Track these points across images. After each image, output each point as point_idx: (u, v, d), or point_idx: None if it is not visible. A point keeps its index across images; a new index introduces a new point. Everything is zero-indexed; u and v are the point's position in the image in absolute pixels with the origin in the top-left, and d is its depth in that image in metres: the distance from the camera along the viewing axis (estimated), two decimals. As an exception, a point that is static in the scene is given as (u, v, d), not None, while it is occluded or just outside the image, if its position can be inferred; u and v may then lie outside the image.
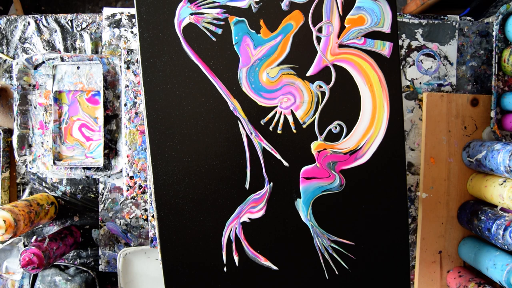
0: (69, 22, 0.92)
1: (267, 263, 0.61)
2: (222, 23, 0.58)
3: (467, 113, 0.87)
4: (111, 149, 0.90)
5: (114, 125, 0.90)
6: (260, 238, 0.61)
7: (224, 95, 0.59)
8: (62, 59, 0.88)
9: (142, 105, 0.71)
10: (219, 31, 0.58)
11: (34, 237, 0.85)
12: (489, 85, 0.91)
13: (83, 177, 0.92)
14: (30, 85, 0.90)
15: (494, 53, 0.83)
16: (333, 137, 0.60)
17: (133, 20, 0.90)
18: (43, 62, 0.89)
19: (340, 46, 0.59)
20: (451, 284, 0.86)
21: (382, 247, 0.62)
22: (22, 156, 0.90)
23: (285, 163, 0.60)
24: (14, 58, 0.92)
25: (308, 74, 0.59)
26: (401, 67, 0.89)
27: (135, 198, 0.89)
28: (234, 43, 0.58)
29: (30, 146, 0.91)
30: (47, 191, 0.93)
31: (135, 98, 0.86)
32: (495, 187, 0.77)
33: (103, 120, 0.87)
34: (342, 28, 0.58)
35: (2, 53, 0.92)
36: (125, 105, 0.86)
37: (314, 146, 0.60)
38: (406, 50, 0.89)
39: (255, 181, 0.60)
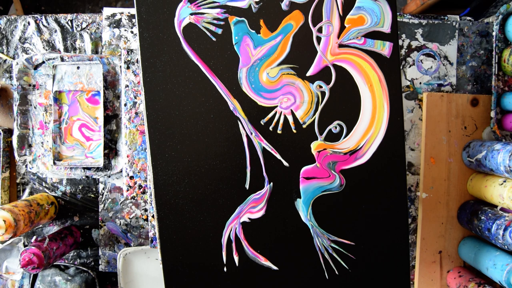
0: (69, 22, 0.92)
1: (267, 263, 0.61)
2: (222, 23, 0.58)
3: (467, 113, 0.87)
4: (111, 149, 0.90)
5: (114, 125, 0.90)
6: (260, 238, 0.61)
7: (224, 95, 0.59)
8: (62, 59, 0.88)
9: (142, 105, 0.71)
10: (219, 31, 0.58)
11: (34, 237, 0.85)
12: (489, 85, 0.91)
13: (83, 177, 0.92)
14: (30, 85, 0.90)
15: (494, 53, 0.83)
16: (333, 137, 0.60)
17: (133, 20, 0.90)
18: (43, 62, 0.89)
19: (340, 46, 0.59)
20: (451, 284, 0.86)
21: (382, 247, 0.62)
22: (22, 156, 0.90)
23: (285, 163, 0.60)
24: (14, 58, 0.92)
25: (308, 74, 0.59)
26: (401, 67, 0.89)
27: (135, 198, 0.89)
28: (234, 43, 0.58)
29: (30, 146, 0.91)
30: (47, 191, 0.93)
31: (135, 98, 0.86)
32: (495, 187, 0.77)
33: (103, 120, 0.87)
34: (342, 28, 0.58)
35: (2, 53, 0.92)
36: (125, 105, 0.86)
37: (314, 146, 0.60)
38: (406, 50, 0.89)
39: (255, 181, 0.60)
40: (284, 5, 0.58)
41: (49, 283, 0.90)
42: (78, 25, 0.92)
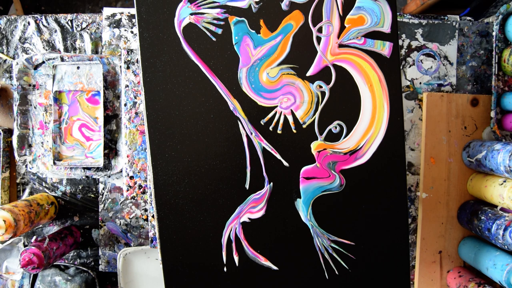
0: (69, 22, 0.92)
1: (267, 263, 0.61)
2: (222, 23, 0.58)
3: (467, 113, 0.87)
4: (111, 149, 0.90)
5: (114, 125, 0.90)
6: (260, 238, 0.61)
7: (224, 95, 0.59)
8: (62, 59, 0.88)
9: (142, 105, 0.71)
10: (219, 31, 0.58)
11: (34, 237, 0.85)
12: (489, 85, 0.91)
13: (83, 177, 0.92)
14: (30, 85, 0.90)
15: (494, 53, 0.83)
16: (333, 137, 0.60)
17: (133, 20, 0.90)
18: (43, 62, 0.89)
19: (340, 46, 0.59)
20: (451, 284, 0.86)
21: (382, 247, 0.62)
22: (22, 156, 0.90)
23: (285, 163, 0.60)
24: (14, 58, 0.92)
25: (308, 74, 0.59)
26: (401, 67, 0.89)
27: (135, 198, 0.89)
28: (234, 43, 0.58)
29: (30, 146, 0.91)
30: (47, 191, 0.93)
31: (135, 98, 0.86)
32: (495, 187, 0.77)
33: (103, 120, 0.87)
34: (342, 28, 0.58)
35: (2, 53, 0.92)
36: (125, 105, 0.86)
37: (314, 146, 0.60)
38: (406, 50, 0.89)
39: (255, 181, 0.60)
40: (284, 5, 0.58)
41: (49, 283, 0.90)
42: (78, 25, 0.92)
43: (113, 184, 0.92)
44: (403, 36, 0.89)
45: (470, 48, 0.90)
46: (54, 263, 0.90)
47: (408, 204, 0.90)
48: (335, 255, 0.62)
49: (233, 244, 0.61)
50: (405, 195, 0.61)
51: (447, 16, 0.89)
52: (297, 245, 0.61)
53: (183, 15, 0.58)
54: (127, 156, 0.87)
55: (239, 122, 0.59)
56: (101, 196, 0.92)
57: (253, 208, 0.60)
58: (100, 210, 0.92)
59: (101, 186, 0.92)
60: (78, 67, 0.89)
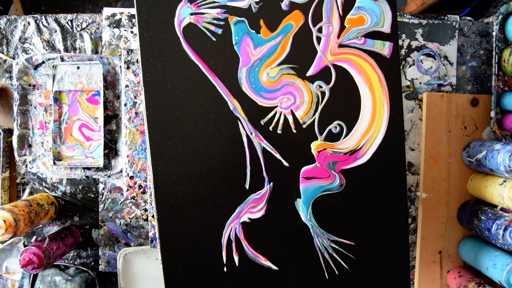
0: (69, 22, 0.92)
1: (267, 263, 0.61)
2: (222, 23, 0.58)
3: (467, 113, 0.87)
4: (111, 149, 0.90)
5: (114, 125, 0.90)
6: (260, 238, 0.61)
7: (224, 95, 0.59)
8: (62, 59, 0.88)
9: (142, 105, 0.71)
10: (219, 31, 0.58)
11: (34, 237, 0.85)
12: (489, 85, 0.91)
13: (83, 177, 0.92)
14: (30, 85, 0.90)
15: (494, 53, 0.83)
16: (333, 137, 0.60)
17: (133, 20, 0.90)
18: (43, 62, 0.89)
19: (340, 46, 0.59)
20: (451, 284, 0.86)
21: (382, 247, 0.62)
22: (22, 156, 0.90)
23: (285, 163, 0.60)
24: (14, 58, 0.92)
25: (308, 74, 0.59)
26: (401, 67, 0.89)
27: (135, 198, 0.89)
28: (234, 43, 0.58)
29: (30, 146, 0.91)
30: (47, 191, 0.93)
31: (135, 98, 0.86)
32: (495, 187, 0.77)
33: (103, 120, 0.87)
34: (342, 28, 0.58)
35: (2, 53, 0.92)
36: (125, 105, 0.86)
37: (314, 146, 0.60)
38: (406, 50, 0.89)
39: (255, 181, 0.60)
40: (284, 5, 0.58)
41: (49, 283, 0.90)
42: (78, 25, 0.92)
43: (113, 184, 0.92)
44: (403, 36, 0.89)
45: (470, 48, 0.90)
46: (54, 263, 0.90)
47: (408, 204, 0.90)
48: (335, 255, 0.62)
49: (233, 244, 0.61)
50: (405, 195, 0.61)
51: (447, 16, 0.89)
52: (297, 245, 0.61)
53: (183, 15, 0.58)
54: (127, 156, 0.87)
55: (239, 122, 0.59)
56: (101, 196, 0.92)
57: (253, 208, 0.60)
58: (100, 210, 0.92)
59: (101, 186, 0.92)
60: (78, 67, 0.89)
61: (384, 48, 0.59)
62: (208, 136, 0.59)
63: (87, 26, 0.91)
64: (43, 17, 0.91)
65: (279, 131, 0.59)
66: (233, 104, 0.59)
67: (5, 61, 0.92)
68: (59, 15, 0.92)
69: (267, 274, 0.61)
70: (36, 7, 1.75)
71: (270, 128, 0.59)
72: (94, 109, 0.90)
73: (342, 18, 0.58)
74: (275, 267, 0.61)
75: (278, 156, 0.60)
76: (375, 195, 0.61)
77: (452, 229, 0.88)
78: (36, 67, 0.89)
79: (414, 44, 0.89)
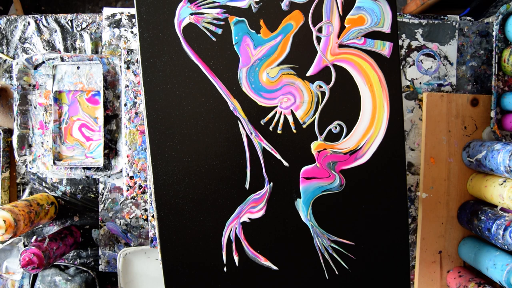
0: (69, 22, 0.92)
1: (267, 263, 0.61)
2: (222, 23, 0.58)
3: (467, 113, 0.87)
4: (111, 149, 0.90)
5: (114, 125, 0.90)
6: (260, 238, 0.61)
7: (224, 95, 0.59)
8: (62, 59, 0.88)
9: (142, 105, 0.71)
10: (219, 31, 0.58)
11: (34, 237, 0.85)
12: (489, 85, 0.91)
13: (83, 177, 0.92)
14: (30, 85, 0.90)
15: (494, 53, 0.83)
16: (333, 137, 0.60)
17: (133, 20, 0.90)
18: (43, 62, 0.89)
19: (340, 46, 0.59)
20: (451, 284, 0.86)
21: (382, 247, 0.62)
22: (22, 156, 0.90)
23: (285, 163, 0.60)
24: (14, 58, 0.92)
25: (308, 74, 0.59)
26: (401, 67, 0.89)
27: (135, 198, 0.89)
28: (234, 43, 0.58)
29: (30, 146, 0.91)
30: (47, 191, 0.93)
31: (135, 98, 0.86)
32: (495, 187, 0.77)
33: (103, 120, 0.87)
34: (342, 28, 0.58)
35: (2, 53, 0.92)
36: (125, 105, 0.86)
37: (314, 146, 0.60)
38: (406, 50, 0.89)
39: (255, 181, 0.60)
40: (284, 5, 0.58)
41: (49, 283, 0.90)
42: (78, 25, 0.92)
43: (113, 184, 0.92)
44: (403, 36, 0.89)
45: (470, 48, 0.90)
46: (54, 263, 0.90)
47: (408, 204, 0.90)
48: (335, 255, 0.62)
49: (233, 244, 0.61)
50: (405, 195, 0.61)
51: (447, 16, 0.89)
52: (297, 245, 0.61)
53: (183, 15, 0.58)
54: (127, 156, 0.87)
55: (239, 122, 0.59)
56: (101, 196, 0.92)
57: (253, 208, 0.60)
58: (100, 210, 0.92)
59: (101, 186, 0.92)
60: (78, 67, 0.89)
61: (384, 48, 0.59)
62: (208, 136, 0.59)
63: (87, 26, 0.92)
64: (43, 17, 0.91)
65: (279, 131, 0.59)
66: (233, 104, 0.59)
67: (5, 61, 0.92)
68: (59, 15, 0.92)
69: (267, 274, 0.61)
70: (36, 7, 1.75)
71: (270, 128, 0.59)
72: (94, 109, 0.90)
73: (342, 18, 0.58)
74: (275, 267, 0.61)
75: (278, 156, 0.60)
76: (375, 195, 0.61)
77: (452, 229, 0.88)
78: (36, 67, 0.89)
79: (414, 44, 0.89)
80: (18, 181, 0.93)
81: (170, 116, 0.58)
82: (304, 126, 0.60)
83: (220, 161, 0.59)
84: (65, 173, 0.90)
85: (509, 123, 0.82)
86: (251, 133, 0.59)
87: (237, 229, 0.61)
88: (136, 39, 0.89)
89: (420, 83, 0.90)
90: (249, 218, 0.61)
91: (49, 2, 1.77)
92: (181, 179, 0.59)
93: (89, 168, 0.90)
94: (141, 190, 0.88)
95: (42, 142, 0.91)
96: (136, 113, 0.86)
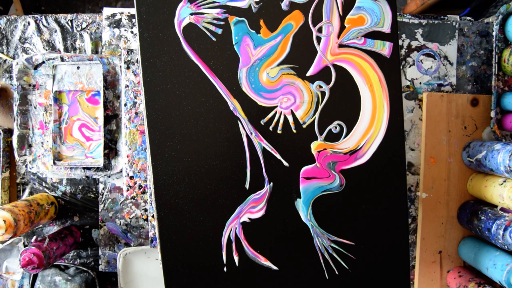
0: (69, 22, 0.92)
1: (267, 263, 0.61)
2: (222, 23, 0.58)
3: (467, 113, 0.87)
4: (111, 149, 0.90)
5: (114, 125, 0.90)
6: (260, 238, 0.61)
7: (224, 95, 0.59)
8: (62, 59, 0.88)
9: (142, 105, 0.71)
10: (219, 31, 0.58)
11: (34, 237, 0.85)
12: (489, 85, 0.91)
13: (83, 177, 0.92)
14: (30, 85, 0.90)
15: (494, 53, 0.83)
16: (333, 137, 0.60)
17: (133, 20, 0.90)
18: (43, 62, 0.89)
19: (340, 46, 0.59)
20: (451, 284, 0.86)
21: (382, 247, 0.62)
22: (22, 156, 0.90)
23: (285, 163, 0.60)
24: (14, 58, 0.92)
25: (308, 74, 0.59)
26: (401, 67, 0.89)
27: (135, 198, 0.89)
28: (234, 43, 0.58)
29: (30, 146, 0.91)
30: (47, 191, 0.93)
31: (135, 98, 0.86)
32: (495, 187, 0.77)
33: (103, 120, 0.87)
34: (342, 28, 0.58)
35: (2, 53, 0.92)
36: (125, 105, 0.86)
37: (314, 146, 0.60)
38: (406, 50, 0.89)
39: (255, 181, 0.60)
40: (284, 5, 0.58)
41: (49, 283, 0.90)
42: (78, 25, 0.92)
43: (113, 184, 0.92)
44: (403, 36, 0.89)
45: (470, 48, 0.90)
46: (54, 263, 0.90)
47: (408, 204, 0.90)
48: (335, 255, 0.62)
49: (233, 244, 0.61)
50: (405, 195, 0.61)
51: (447, 16, 0.89)
52: (297, 245, 0.61)
53: (183, 15, 0.58)
54: (127, 156, 0.87)
55: (239, 122, 0.59)
56: (101, 196, 0.92)
57: (253, 208, 0.60)
58: (100, 210, 0.92)
59: (101, 186, 0.92)
60: (78, 67, 0.89)
61: (384, 48, 0.59)
62: (208, 136, 0.59)
63: (87, 26, 0.92)
64: (43, 17, 0.91)
65: (279, 131, 0.59)
66: (233, 104, 0.59)
67: (5, 61, 0.92)
68: (59, 15, 0.92)
69: (267, 274, 0.61)
70: (36, 7, 1.75)
71: (270, 128, 0.59)
72: (94, 109, 0.90)
73: (342, 18, 0.58)
74: (275, 267, 0.61)
75: (278, 156, 0.60)
76: (375, 195, 0.61)
77: (452, 229, 0.88)
78: (36, 67, 0.89)
79: (414, 44, 0.89)
80: (18, 181, 0.93)
81: (170, 116, 0.58)
82: (304, 126, 0.60)
83: (220, 161, 0.59)
84: (65, 173, 0.90)
85: (509, 123, 0.82)
86: (251, 133, 0.59)
87: (237, 229, 0.61)
88: (136, 39, 0.89)
89: (420, 83, 0.90)
90: (249, 218, 0.61)
91: (49, 2, 1.77)
92: (181, 179, 0.59)
93: (89, 168, 0.90)
94: (141, 190, 0.88)
95: (42, 142, 0.91)
96: (136, 113, 0.86)
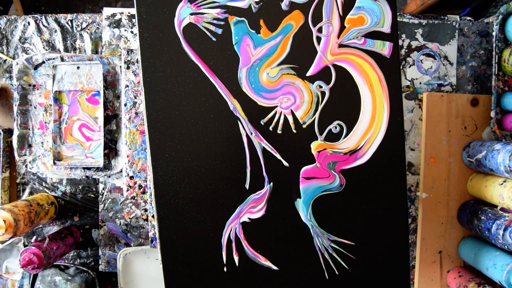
0: (69, 22, 0.92)
1: (267, 263, 0.61)
2: (222, 23, 0.58)
3: (467, 113, 0.87)
4: (111, 149, 0.90)
5: (114, 125, 0.90)
6: (260, 238, 0.61)
7: (224, 95, 0.59)
8: (62, 59, 0.88)
9: (142, 105, 0.71)
10: (219, 31, 0.58)
11: (34, 237, 0.85)
12: (489, 85, 0.91)
13: (83, 177, 0.92)
14: (30, 85, 0.90)
15: (494, 53, 0.83)
16: (333, 137, 0.60)
17: (133, 20, 0.90)
18: (43, 62, 0.89)
19: (340, 46, 0.59)
20: (451, 284, 0.86)
21: (382, 247, 0.62)
22: (22, 156, 0.90)
23: (285, 163, 0.60)
24: (14, 58, 0.92)
25: (308, 74, 0.59)
26: (401, 67, 0.89)
27: (135, 198, 0.89)
28: (234, 43, 0.58)
29: (30, 146, 0.91)
30: (47, 191, 0.93)
31: (135, 98, 0.86)
32: (495, 187, 0.77)
33: (103, 120, 0.87)
34: (342, 28, 0.58)
35: (2, 53, 0.92)
36: (125, 105, 0.86)
37: (314, 146, 0.60)
38: (406, 50, 0.89)
39: (255, 181, 0.60)
40: (284, 5, 0.58)
41: (49, 283, 0.90)
42: (78, 25, 0.92)
43: (113, 184, 0.92)
44: (403, 36, 0.89)
45: (470, 48, 0.90)
46: (54, 263, 0.90)
47: (408, 204, 0.90)
48: (335, 255, 0.62)
49: (233, 244, 0.61)
50: (405, 195, 0.61)
51: (447, 16, 0.89)
52: (297, 245, 0.61)
53: (183, 15, 0.58)
54: (127, 156, 0.87)
55: (239, 122, 0.59)
56: (101, 196, 0.92)
57: (253, 208, 0.60)
58: (100, 210, 0.92)
59: (101, 186, 0.92)
60: (78, 67, 0.89)
61: (384, 48, 0.59)
62: (208, 136, 0.59)
63: (87, 26, 0.92)
64: (43, 17, 0.91)
65: (279, 131, 0.59)
66: (233, 104, 0.59)
67: (5, 61, 0.92)
68: (59, 15, 0.92)
69: (267, 274, 0.61)
70: (36, 7, 1.75)
71: (270, 128, 0.59)
72: (94, 109, 0.90)
73: (342, 18, 0.58)
74: (275, 267, 0.61)
75: (278, 156, 0.60)
76: (375, 195, 0.61)
77: (452, 229, 0.88)
78: (36, 67, 0.89)
79: (414, 44, 0.89)
80: (18, 181, 0.93)
81: (170, 116, 0.58)
82: (304, 126, 0.60)
83: (220, 161, 0.59)
84: (65, 173, 0.90)
85: (509, 123, 0.82)
86: (251, 133, 0.59)
87: (237, 229, 0.61)
88: (136, 39, 0.89)
89: (420, 83, 0.90)
90: (249, 218, 0.61)
91: (49, 2, 1.77)
92: (181, 179, 0.59)
93: (89, 168, 0.90)
94: (141, 190, 0.88)
95: (42, 142, 0.91)
96: (136, 113, 0.86)
